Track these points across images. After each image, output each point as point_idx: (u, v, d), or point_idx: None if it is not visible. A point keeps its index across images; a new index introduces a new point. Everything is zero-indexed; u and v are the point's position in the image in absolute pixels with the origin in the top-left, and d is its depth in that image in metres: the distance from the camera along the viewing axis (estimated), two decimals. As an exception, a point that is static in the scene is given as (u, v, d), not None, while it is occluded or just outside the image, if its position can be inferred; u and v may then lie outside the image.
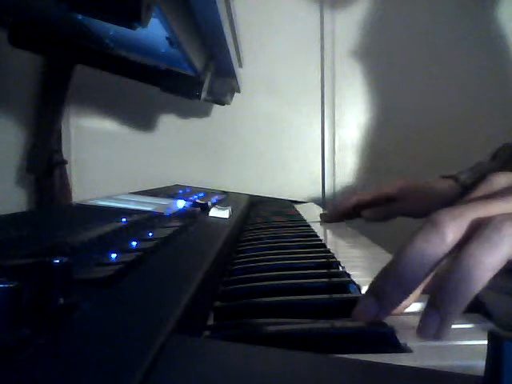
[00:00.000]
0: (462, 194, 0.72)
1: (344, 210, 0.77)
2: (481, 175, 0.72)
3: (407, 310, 0.31)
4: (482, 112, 1.19)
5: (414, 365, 0.20)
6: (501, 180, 0.31)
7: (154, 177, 1.18)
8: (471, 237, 0.26)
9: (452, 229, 0.27)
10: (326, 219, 0.79)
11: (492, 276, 0.25)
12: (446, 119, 1.20)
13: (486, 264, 0.25)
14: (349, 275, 0.40)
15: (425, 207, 0.73)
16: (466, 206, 0.28)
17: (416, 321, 0.28)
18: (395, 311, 0.28)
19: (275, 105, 1.24)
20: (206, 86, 0.86)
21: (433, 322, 0.25)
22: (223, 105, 1.07)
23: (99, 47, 0.75)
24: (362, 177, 1.23)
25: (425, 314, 0.26)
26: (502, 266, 0.25)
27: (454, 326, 0.28)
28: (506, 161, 0.73)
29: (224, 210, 0.63)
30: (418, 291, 0.29)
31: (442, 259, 0.27)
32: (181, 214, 0.58)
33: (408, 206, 0.74)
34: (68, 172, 1.01)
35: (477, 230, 0.26)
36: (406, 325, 0.28)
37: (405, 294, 0.27)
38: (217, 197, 0.89)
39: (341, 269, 0.43)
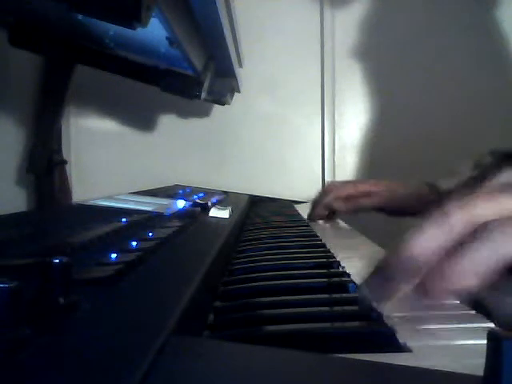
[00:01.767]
0: (440, 199, 0.73)
1: (325, 210, 0.79)
2: (462, 183, 0.73)
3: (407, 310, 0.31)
4: (483, 112, 1.19)
5: (414, 365, 0.20)
6: (507, 175, 0.32)
7: (154, 177, 1.18)
8: (475, 233, 0.27)
9: (461, 221, 0.27)
10: (311, 219, 0.81)
11: (489, 273, 0.26)
12: (446, 119, 1.20)
13: (485, 261, 0.26)
14: (349, 275, 0.40)
15: (396, 204, 0.77)
16: (477, 199, 0.28)
17: (416, 321, 0.28)
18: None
19: (275, 105, 1.24)
20: (206, 86, 0.86)
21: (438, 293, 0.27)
22: (223, 105, 1.06)
23: (99, 47, 0.75)
24: (362, 177, 1.23)
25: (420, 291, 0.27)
26: (502, 265, 0.26)
27: (454, 326, 0.28)
28: (485, 169, 0.73)
29: (224, 209, 0.63)
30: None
31: (446, 247, 0.27)
32: (181, 214, 0.58)
33: (380, 201, 0.77)
34: (68, 172, 1.01)
35: (481, 228, 0.27)
36: (405, 325, 0.28)
37: (411, 273, 0.28)
38: (217, 197, 0.89)
39: (341, 269, 0.43)
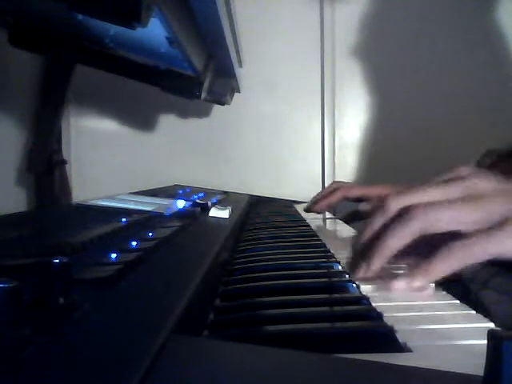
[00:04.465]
0: None
1: (328, 204, 0.77)
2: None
3: (407, 310, 0.31)
4: (483, 111, 1.19)
5: (414, 365, 0.20)
6: (463, 171, 0.41)
7: (154, 177, 1.18)
8: (396, 216, 0.38)
9: (392, 209, 0.39)
10: (307, 209, 0.79)
11: (405, 242, 0.37)
12: (447, 118, 1.20)
13: (400, 234, 0.37)
14: (349, 275, 0.40)
15: None
16: (409, 193, 0.39)
17: (415, 321, 0.28)
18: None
19: (275, 105, 1.24)
20: (206, 85, 0.86)
21: (362, 267, 0.39)
22: (223, 105, 1.06)
23: (99, 47, 0.75)
24: (362, 176, 1.23)
25: (357, 262, 0.39)
26: (414, 236, 0.37)
27: (454, 326, 0.28)
28: (488, 167, 0.72)
29: (224, 209, 0.63)
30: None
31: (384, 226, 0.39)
32: (181, 214, 0.58)
33: None
34: (68, 172, 1.01)
35: (399, 212, 0.38)
36: (405, 324, 0.28)
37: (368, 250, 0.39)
38: (217, 197, 0.89)
39: (341, 269, 0.43)
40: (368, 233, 0.40)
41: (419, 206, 0.37)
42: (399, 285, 0.36)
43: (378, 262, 0.38)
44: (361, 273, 0.38)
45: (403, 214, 0.37)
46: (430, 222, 0.36)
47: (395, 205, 0.39)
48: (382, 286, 0.36)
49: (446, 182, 0.40)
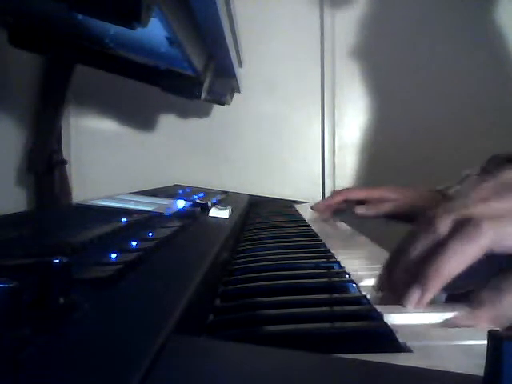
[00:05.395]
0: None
1: (331, 205, 0.80)
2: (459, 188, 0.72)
3: (407, 310, 0.31)
4: (483, 111, 1.19)
5: (414, 365, 0.20)
6: (509, 175, 0.35)
7: (154, 177, 1.18)
8: (456, 230, 0.31)
9: (443, 223, 0.32)
10: (314, 209, 0.83)
11: (469, 263, 0.30)
12: (447, 118, 1.20)
13: (465, 253, 0.30)
14: (349, 275, 0.40)
15: (411, 211, 0.74)
16: (459, 203, 0.33)
17: (416, 322, 0.28)
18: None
19: (275, 105, 1.24)
20: (206, 85, 0.86)
21: (415, 293, 0.31)
22: (223, 105, 1.06)
23: (99, 47, 0.75)
24: (362, 177, 1.23)
25: (409, 287, 0.31)
26: (480, 255, 0.30)
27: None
28: (484, 171, 0.72)
29: (224, 209, 0.63)
30: None
31: (434, 246, 0.32)
32: (181, 214, 0.58)
33: (396, 208, 0.74)
34: (68, 172, 1.01)
35: (461, 226, 0.31)
36: (405, 325, 0.28)
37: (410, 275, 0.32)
38: (217, 197, 0.89)
39: (341, 269, 0.43)
40: (416, 252, 0.32)
41: (484, 218, 0.30)
42: (465, 320, 0.29)
43: (435, 287, 0.31)
44: (412, 302, 0.31)
45: (465, 229, 0.30)
46: (501, 237, 0.30)
47: (448, 217, 0.32)
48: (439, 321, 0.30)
49: (499, 186, 0.33)
